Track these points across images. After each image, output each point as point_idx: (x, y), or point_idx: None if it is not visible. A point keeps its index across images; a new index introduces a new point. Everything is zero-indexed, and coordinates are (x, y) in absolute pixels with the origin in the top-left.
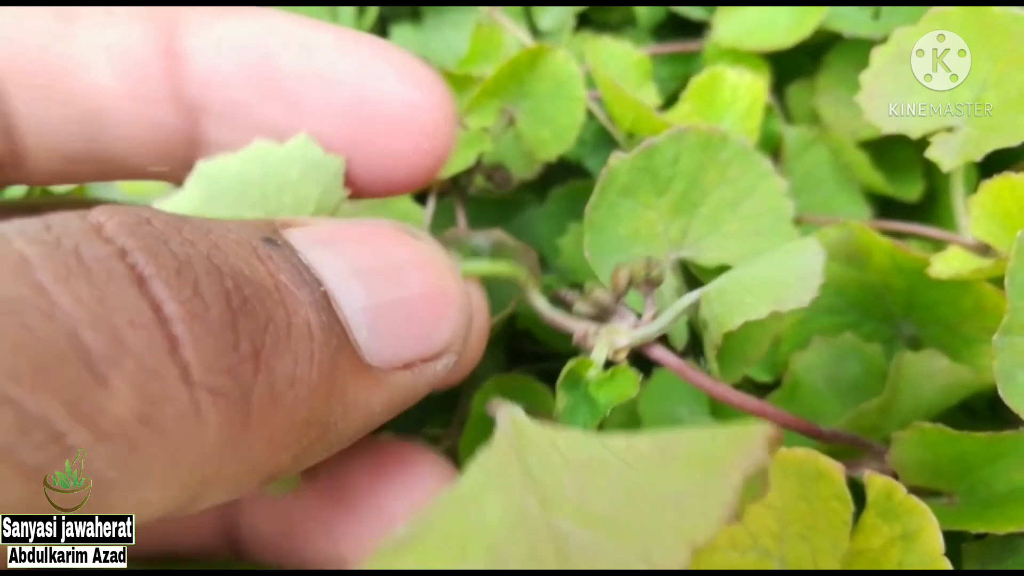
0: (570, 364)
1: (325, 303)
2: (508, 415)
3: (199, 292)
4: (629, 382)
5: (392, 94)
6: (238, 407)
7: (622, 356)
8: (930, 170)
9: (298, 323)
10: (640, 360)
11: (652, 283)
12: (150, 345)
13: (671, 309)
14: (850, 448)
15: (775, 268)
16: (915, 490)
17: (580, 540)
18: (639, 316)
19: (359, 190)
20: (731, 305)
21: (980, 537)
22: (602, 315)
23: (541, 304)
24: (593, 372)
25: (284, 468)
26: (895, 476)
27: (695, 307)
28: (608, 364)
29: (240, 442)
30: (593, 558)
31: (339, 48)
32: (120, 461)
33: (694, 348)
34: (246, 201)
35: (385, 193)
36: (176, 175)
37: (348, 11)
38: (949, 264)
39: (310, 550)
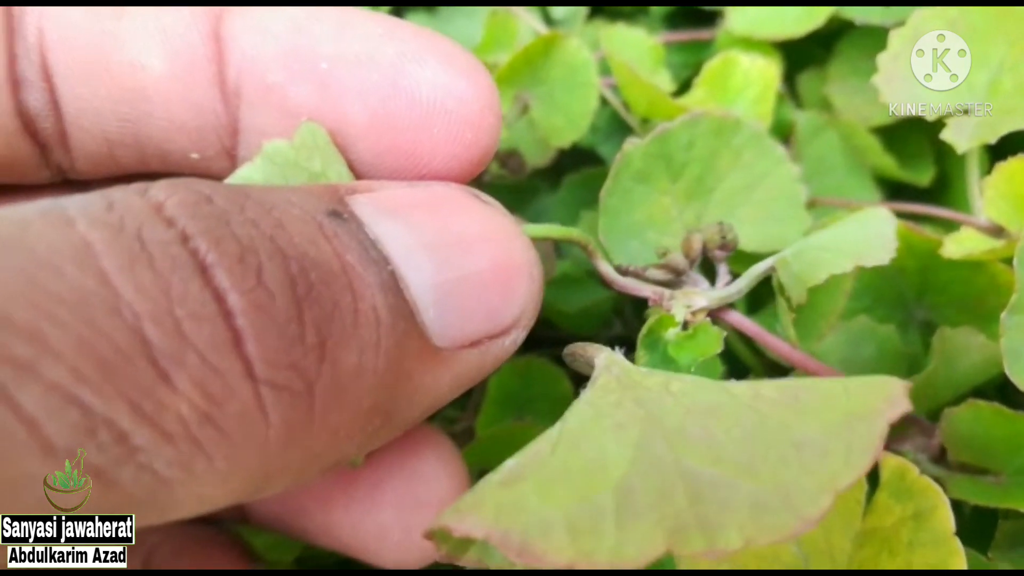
0: (650, 321)
1: (393, 284)
2: (612, 358)
3: (263, 281)
4: (712, 340)
5: (430, 80)
6: (302, 402)
7: (701, 317)
8: (941, 156)
9: (364, 309)
10: None
11: (727, 248)
12: (213, 340)
13: (747, 273)
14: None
15: (850, 231)
16: (962, 467)
17: (712, 479)
18: (711, 284)
19: (392, 175)
20: (811, 263)
21: (1008, 517)
22: (674, 281)
23: (608, 270)
24: (672, 332)
25: (348, 456)
26: (943, 451)
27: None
28: (684, 325)
29: (303, 436)
30: (727, 497)
31: (378, 33)
32: (182, 461)
33: None
34: None
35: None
36: (213, 164)
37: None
38: (962, 245)
39: (307, 517)
